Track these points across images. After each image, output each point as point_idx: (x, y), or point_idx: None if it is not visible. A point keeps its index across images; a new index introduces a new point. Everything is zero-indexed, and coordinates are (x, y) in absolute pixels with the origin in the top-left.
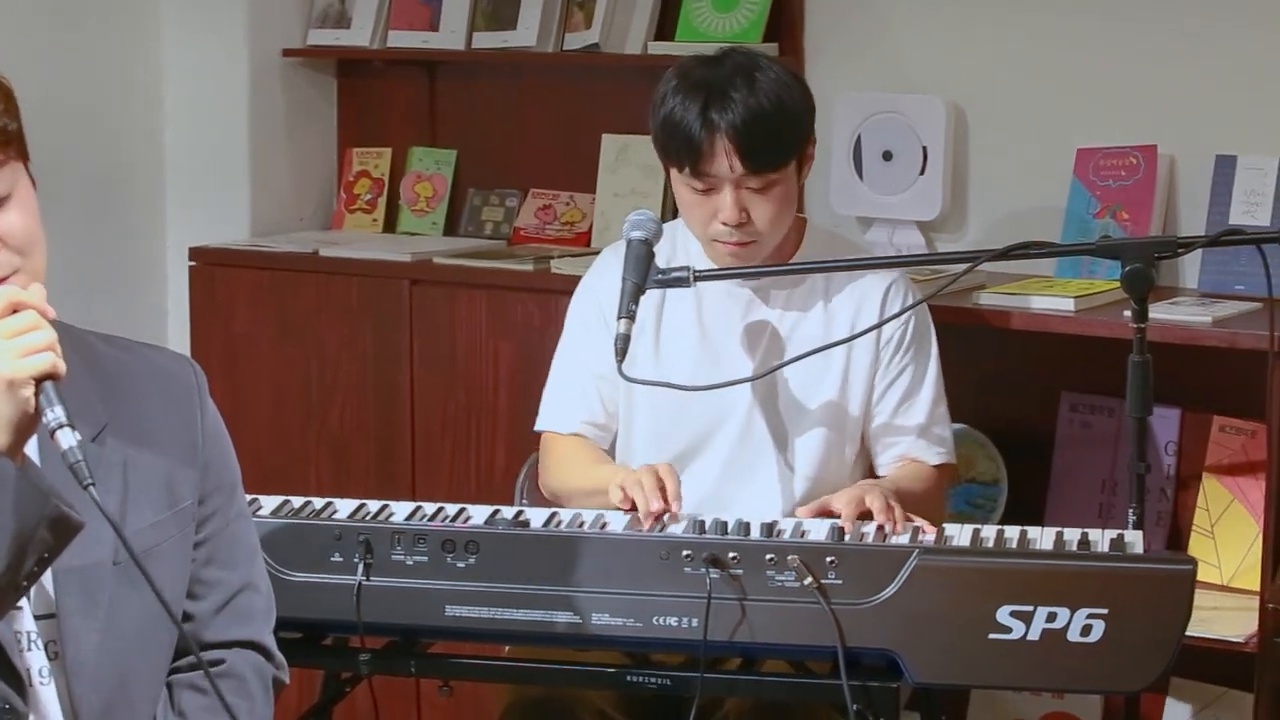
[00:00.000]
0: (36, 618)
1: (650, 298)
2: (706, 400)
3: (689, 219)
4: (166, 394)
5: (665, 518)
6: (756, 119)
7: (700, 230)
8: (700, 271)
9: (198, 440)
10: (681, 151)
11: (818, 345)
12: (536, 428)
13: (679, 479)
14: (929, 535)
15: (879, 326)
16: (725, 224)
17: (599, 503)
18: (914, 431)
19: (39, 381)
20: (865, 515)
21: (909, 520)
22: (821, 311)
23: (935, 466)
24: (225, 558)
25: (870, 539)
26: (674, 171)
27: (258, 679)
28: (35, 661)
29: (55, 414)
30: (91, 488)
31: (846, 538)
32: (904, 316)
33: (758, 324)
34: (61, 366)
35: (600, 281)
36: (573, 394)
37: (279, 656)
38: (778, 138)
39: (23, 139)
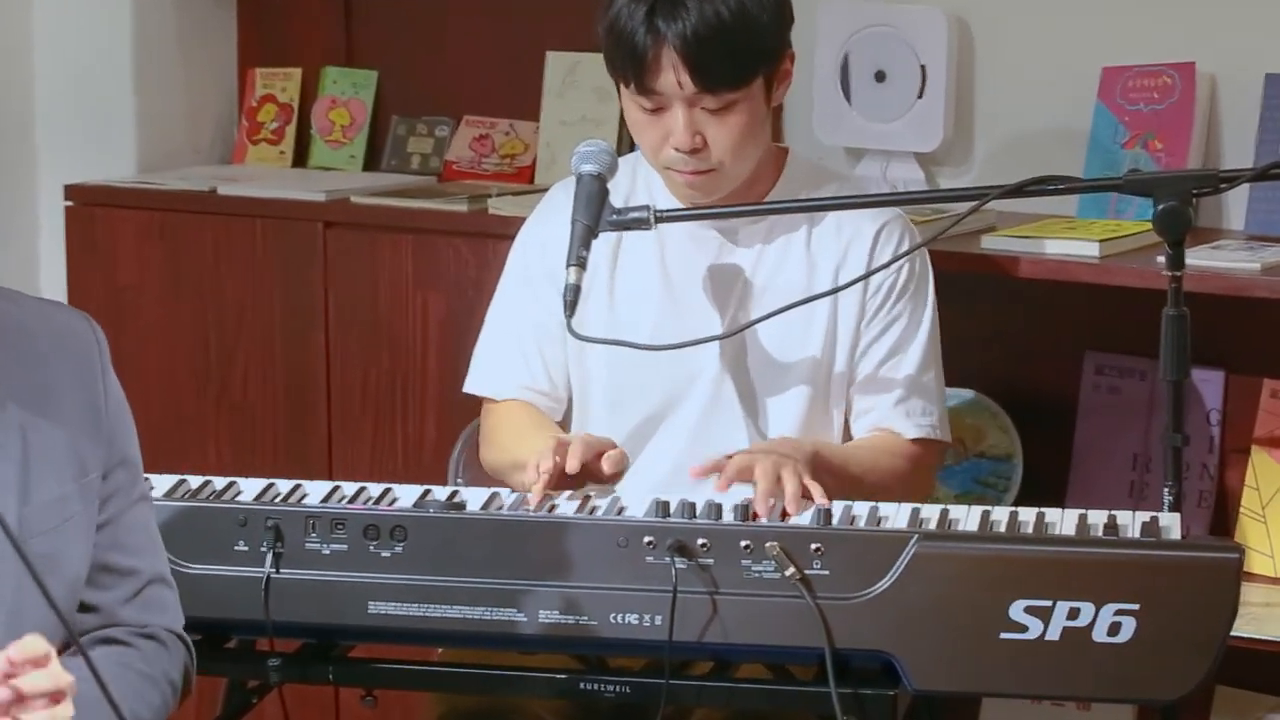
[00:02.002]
0: None
1: (604, 242)
2: (671, 361)
3: (640, 143)
4: (66, 354)
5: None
6: (710, 29)
7: (652, 157)
8: (663, 211)
9: (101, 407)
10: (626, 63)
11: (799, 295)
12: (465, 389)
13: (593, 445)
14: (823, 505)
15: (870, 275)
16: (677, 149)
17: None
18: (893, 396)
19: None
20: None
21: (807, 500)
22: (803, 255)
23: (913, 441)
24: (130, 544)
25: (863, 522)
26: (621, 87)
27: (180, 650)
28: None
29: None
30: None
31: (835, 521)
32: (895, 263)
33: (728, 270)
34: None
35: (545, 225)
36: (510, 355)
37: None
38: (735, 51)
39: None
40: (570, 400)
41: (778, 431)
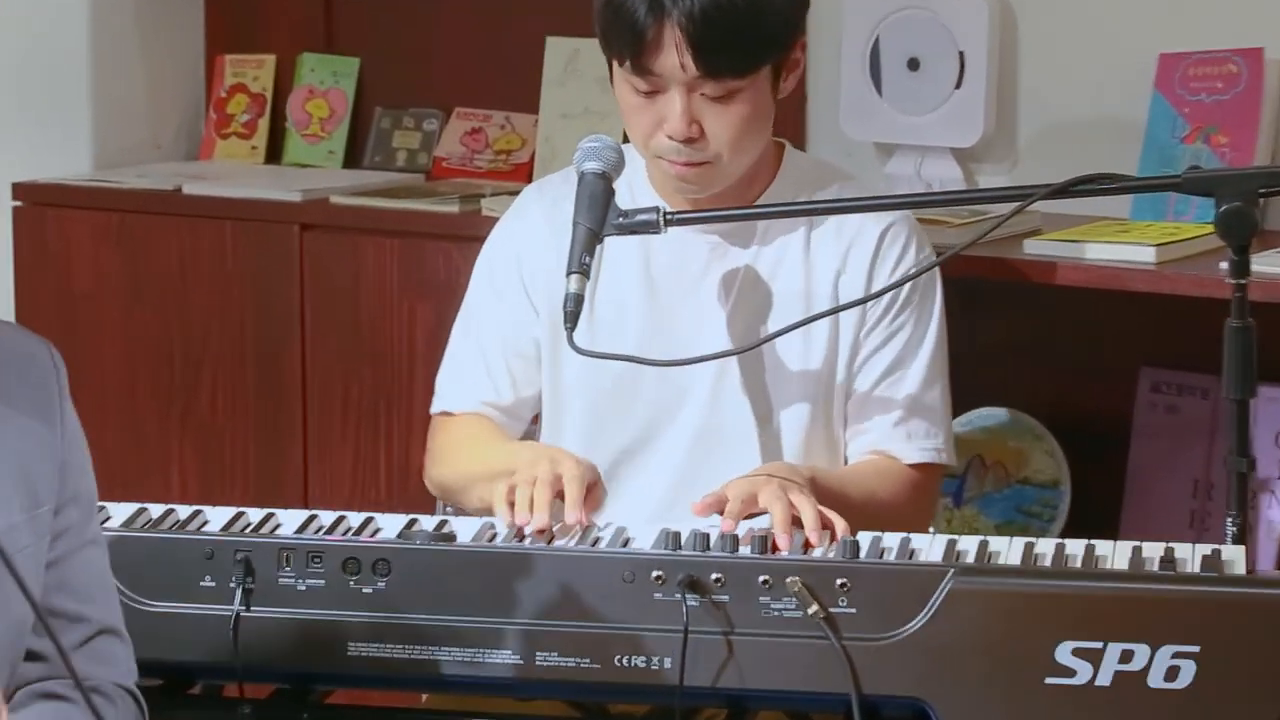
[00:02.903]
0: None
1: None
2: (657, 380)
3: (630, 128)
4: (21, 376)
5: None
6: (720, 9)
7: (642, 143)
8: (673, 213)
9: (56, 438)
10: (622, 39)
11: (797, 302)
12: (432, 411)
13: (585, 481)
14: (846, 537)
15: (891, 290)
16: (671, 137)
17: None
18: (892, 416)
19: None
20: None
21: (825, 528)
22: (801, 259)
23: (912, 466)
24: (80, 588)
25: (893, 555)
26: (615, 66)
27: (130, 708)
28: None
29: None
30: None
31: (862, 553)
32: (903, 268)
33: (720, 276)
34: None
35: (515, 229)
36: (473, 368)
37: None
38: (746, 34)
39: None
40: (540, 422)
41: (780, 454)
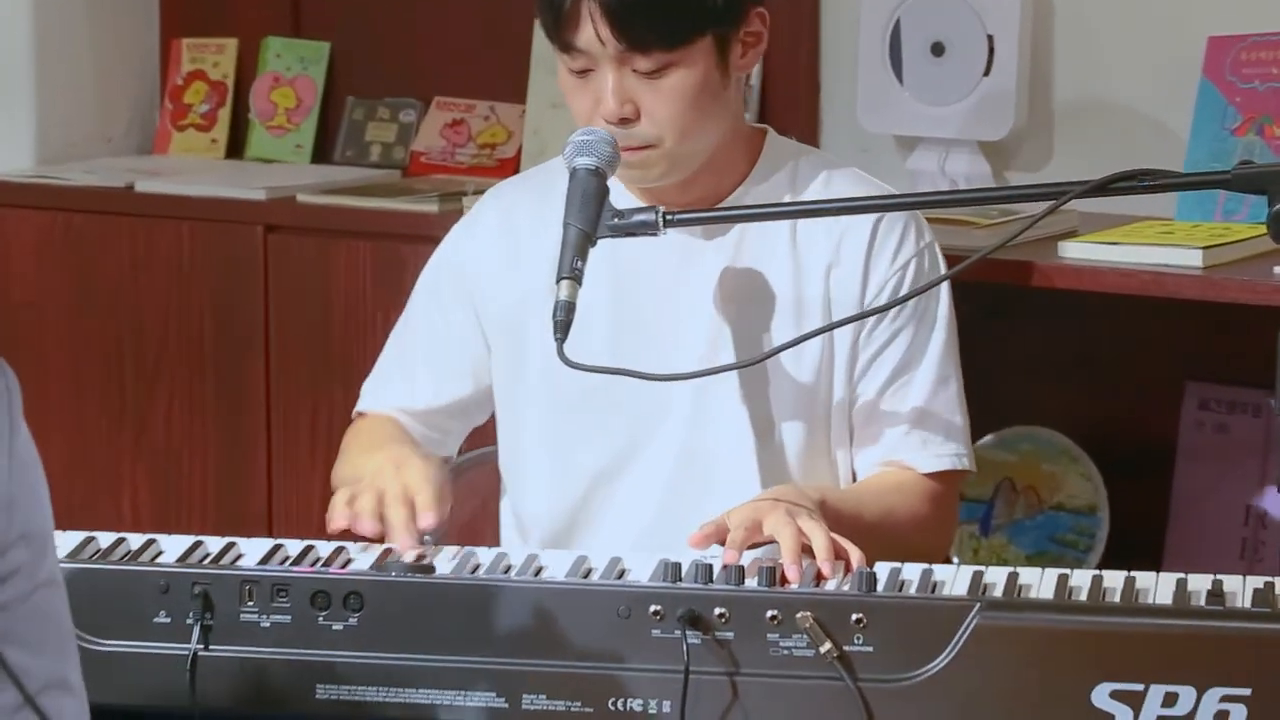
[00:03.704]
0: None
1: (542, 241)
2: (631, 396)
3: (573, 114)
4: None
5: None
6: None
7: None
8: (674, 213)
9: (4, 466)
10: (546, 15)
11: (785, 302)
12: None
13: (435, 482)
14: (863, 569)
15: (899, 304)
16: (605, 119)
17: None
18: (904, 424)
19: None
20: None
21: (839, 555)
22: (789, 254)
23: (930, 475)
24: (29, 637)
25: (914, 587)
26: (555, 50)
27: None
28: None
29: None
30: None
31: (880, 586)
32: (900, 262)
33: (700, 274)
34: None
35: (467, 235)
36: (394, 372)
37: None
38: (670, 3)
39: None
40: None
41: (772, 478)
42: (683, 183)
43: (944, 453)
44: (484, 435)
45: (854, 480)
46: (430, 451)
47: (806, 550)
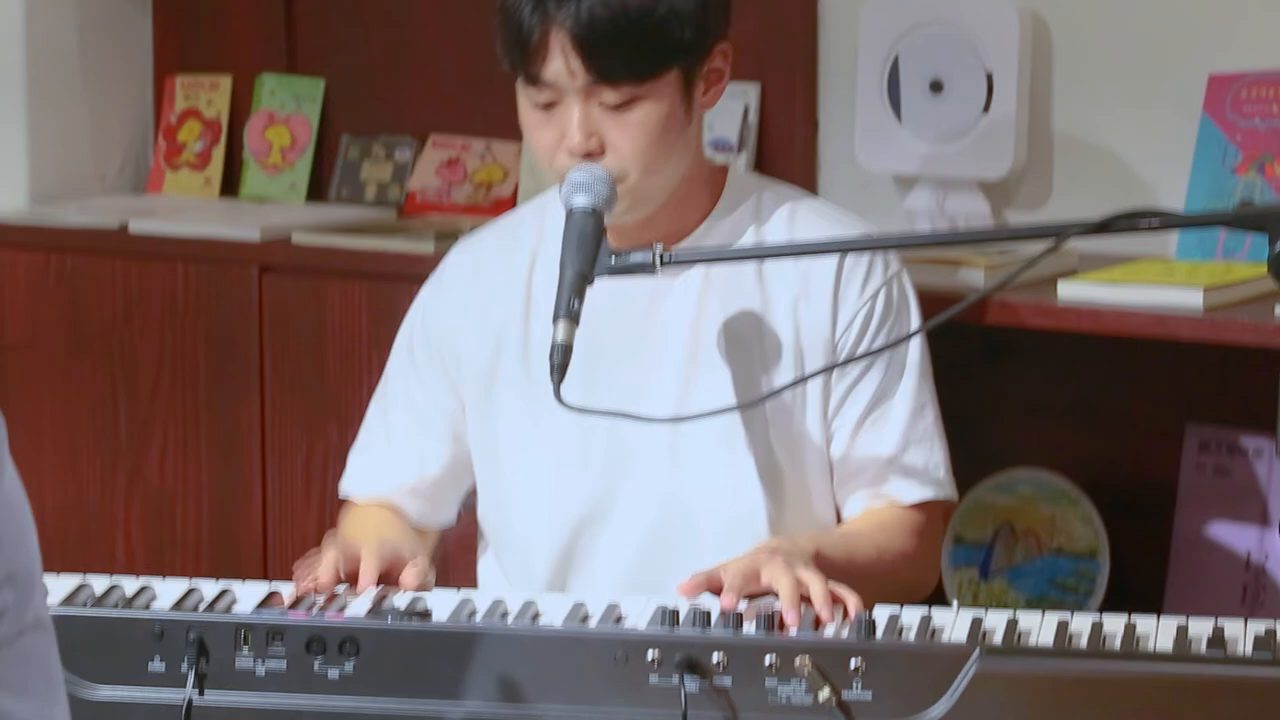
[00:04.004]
0: None
1: (510, 289)
2: (607, 439)
3: (533, 148)
4: None
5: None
6: (609, 9)
7: (546, 164)
8: (671, 254)
9: None
10: (511, 46)
11: (753, 340)
12: (339, 490)
13: (381, 556)
14: (862, 615)
15: (883, 351)
16: (570, 152)
17: None
18: (883, 458)
19: None
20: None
21: (837, 602)
22: (756, 290)
23: (914, 507)
24: (14, 681)
25: (912, 633)
26: (517, 83)
27: None
28: None
29: None
30: None
31: (878, 632)
32: (869, 292)
33: (663, 315)
34: None
35: (434, 294)
36: (379, 448)
37: None
38: (639, 36)
39: None
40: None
41: (753, 523)
42: (645, 220)
43: (925, 484)
44: None
45: (837, 514)
46: (424, 529)
47: (805, 600)
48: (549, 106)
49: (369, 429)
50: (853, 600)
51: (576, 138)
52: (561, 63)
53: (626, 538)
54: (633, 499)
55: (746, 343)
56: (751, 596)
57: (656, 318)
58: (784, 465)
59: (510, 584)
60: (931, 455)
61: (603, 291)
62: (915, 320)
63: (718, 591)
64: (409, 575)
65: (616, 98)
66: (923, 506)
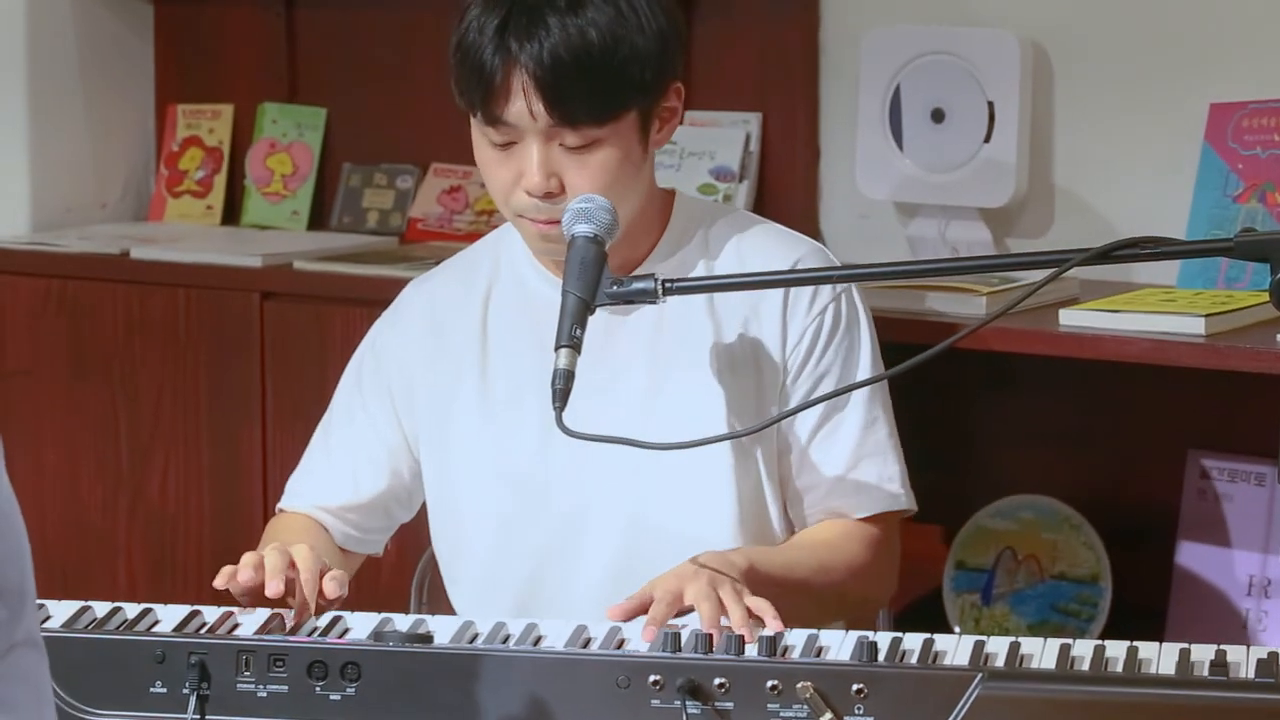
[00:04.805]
0: None
1: (465, 326)
2: (568, 464)
3: (489, 186)
4: None
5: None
6: (573, 52)
7: (502, 203)
8: (671, 281)
9: None
10: (471, 86)
11: (705, 363)
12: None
13: (317, 567)
14: (771, 629)
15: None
16: (529, 193)
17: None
18: (836, 469)
19: None
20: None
21: (753, 620)
22: (706, 312)
23: (867, 519)
24: (3, 698)
25: (914, 658)
26: (472, 119)
27: None
28: None
29: None
30: None
31: (880, 656)
32: (817, 308)
33: (619, 341)
34: None
35: (390, 330)
36: (317, 468)
37: None
38: (602, 79)
39: None
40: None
41: (716, 543)
42: None
43: (877, 496)
44: None
45: (793, 531)
46: (348, 548)
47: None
48: (506, 146)
49: (310, 452)
50: (769, 615)
51: (536, 178)
52: (523, 104)
53: (592, 566)
54: (598, 526)
55: (698, 363)
56: (680, 615)
57: (612, 342)
58: (744, 482)
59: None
60: (885, 468)
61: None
62: (866, 334)
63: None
64: (329, 585)
65: (577, 140)
66: (876, 519)
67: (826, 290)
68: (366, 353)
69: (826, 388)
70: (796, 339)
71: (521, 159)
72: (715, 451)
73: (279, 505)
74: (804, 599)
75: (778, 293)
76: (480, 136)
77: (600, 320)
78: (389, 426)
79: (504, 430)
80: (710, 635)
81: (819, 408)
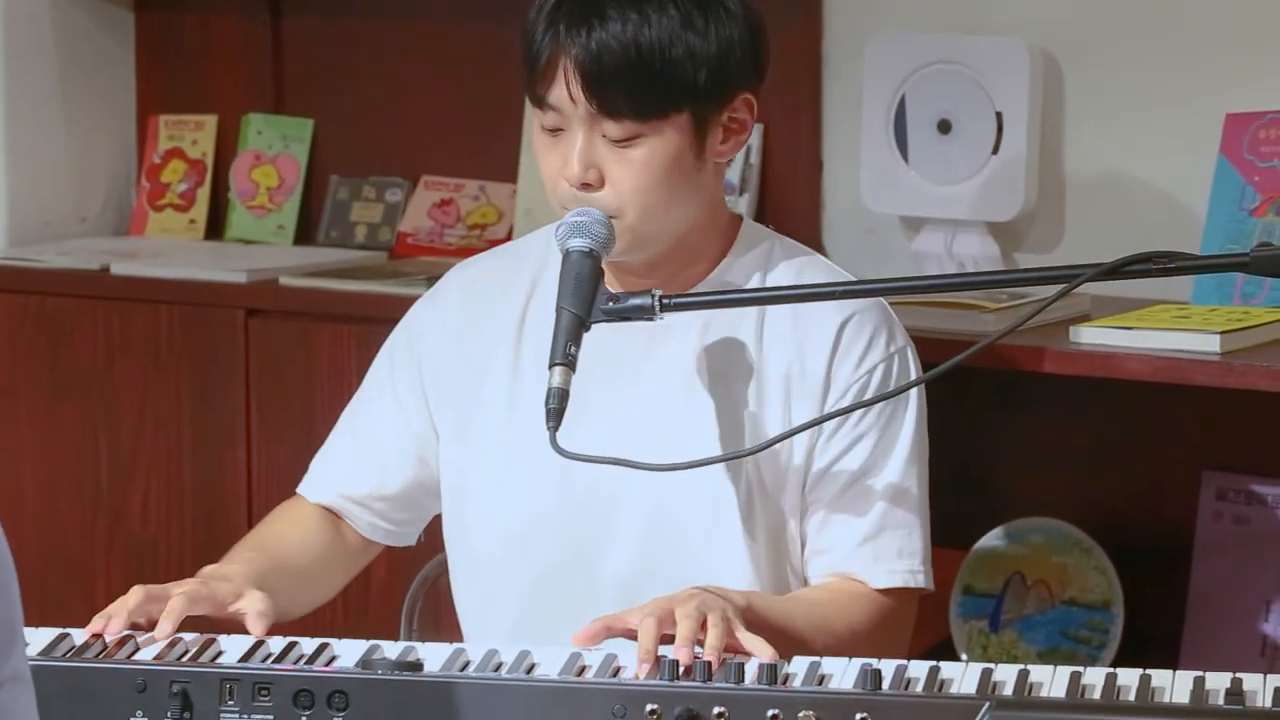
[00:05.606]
0: None
1: (505, 313)
2: (584, 491)
3: (542, 175)
4: None
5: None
6: (621, 44)
7: (550, 190)
8: (670, 298)
9: None
10: (524, 65)
11: (746, 394)
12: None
13: (186, 604)
14: (765, 661)
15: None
16: (567, 180)
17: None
18: (857, 534)
19: None
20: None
21: (732, 650)
22: (754, 344)
23: (881, 591)
24: None
25: (920, 685)
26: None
27: None
28: None
29: None
30: None
31: (885, 684)
32: (866, 367)
33: (661, 367)
34: None
35: (427, 314)
36: (341, 455)
37: None
38: (650, 74)
39: None
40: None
41: (730, 582)
42: (649, 264)
43: (898, 568)
44: None
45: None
46: (374, 539)
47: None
48: (556, 132)
49: (335, 435)
50: (766, 655)
51: (575, 168)
52: (564, 89)
53: (601, 584)
54: (604, 557)
55: (739, 403)
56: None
57: (651, 366)
58: (764, 521)
59: (468, 621)
60: (909, 542)
61: (602, 336)
62: (914, 399)
63: (627, 635)
64: (248, 610)
65: (619, 132)
66: (890, 592)
67: (879, 349)
68: (401, 338)
69: (863, 451)
70: (839, 395)
71: (567, 147)
72: (742, 491)
73: (298, 489)
74: (801, 652)
75: (824, 342)
76: (535, 121)
77: (640, 337)
78: (419, 416)
79: (527, 431)
80: (708, 663)
81: (851, 468)
